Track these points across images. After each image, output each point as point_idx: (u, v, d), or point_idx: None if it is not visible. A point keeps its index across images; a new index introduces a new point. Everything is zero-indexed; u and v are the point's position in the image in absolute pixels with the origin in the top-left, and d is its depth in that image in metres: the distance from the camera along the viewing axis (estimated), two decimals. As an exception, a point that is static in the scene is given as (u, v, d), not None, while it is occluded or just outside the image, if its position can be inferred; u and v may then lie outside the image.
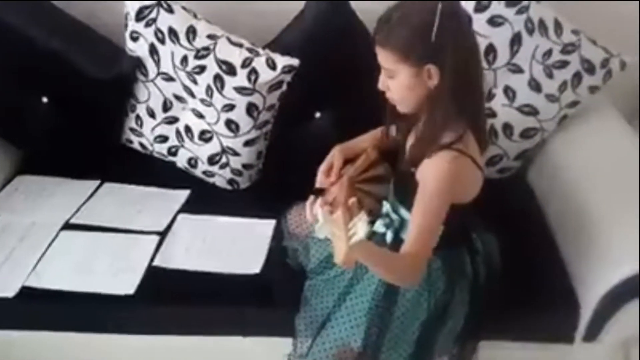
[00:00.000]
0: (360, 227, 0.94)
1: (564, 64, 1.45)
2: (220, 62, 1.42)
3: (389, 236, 1.19)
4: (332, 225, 0.96)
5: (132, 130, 1.59)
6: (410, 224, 1.08)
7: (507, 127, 1.50)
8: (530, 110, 1.49)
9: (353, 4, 1.51)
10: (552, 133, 1.52)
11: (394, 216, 1.18)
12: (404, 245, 1.06)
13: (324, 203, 1.02)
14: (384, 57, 1.08)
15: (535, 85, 1.47)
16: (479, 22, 1.44)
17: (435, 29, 1.00)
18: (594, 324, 1.24)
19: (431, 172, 1.07)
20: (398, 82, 1.09)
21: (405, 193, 1.14)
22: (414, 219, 1.07)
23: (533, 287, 1.27)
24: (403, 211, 1.17)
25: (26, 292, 1.28)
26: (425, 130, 1.11)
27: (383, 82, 1.11)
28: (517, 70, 1.47)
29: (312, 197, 1.03)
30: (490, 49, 1.45)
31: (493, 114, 1.50)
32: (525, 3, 1.43)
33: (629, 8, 1.62)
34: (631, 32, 1.62)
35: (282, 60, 1.42)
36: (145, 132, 1.57)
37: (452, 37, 1.02)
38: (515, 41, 1.44)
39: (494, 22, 1.44)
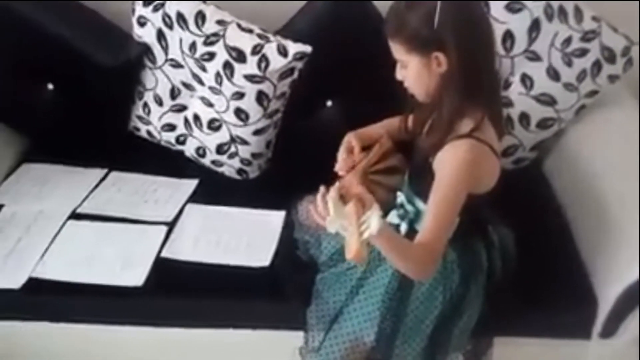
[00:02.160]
0: (373, 220, 0.92)
1: (583, 52, 1.40)
2: (230, 49, 1.39)
3: (404, 227, 1.16)
4: (343, 218, 0.93)
5: (139, 118, 1.56)
6: (426, 213, 1.05)
7: (524, 117, 1.46)
8: (547, 100, 1.44)
9: (367, -11, 1.48)
10: (570, 123, 1.48)
11: (409, 207, 1.16)
12: (418, 235, 1.04)
13: (336, 192, 0.98)
14: (395, 48, 1.08)
15: (553, 74, 1.42)
16: (497, 8, 1.39)
17: (438, 16, 0.99)
18: (611, 321, 1.21)
19: (448, 161, 1.05)
20: (410, 72, 1.08)
21: (421, 184, 1.11)
22: (430, 208, 1.04)
23: (549, 282, 1.25)
24: (419, 202, 1.14)
25: (33, 283, 1.27)
26: (439, 118, 1.09)
27: (399, 73, 1.10)
28: (535, 58, 1.43)
29: (322, 189, 1.00)
30: (508, 36, 1.41)
31: (510, 103, 1.46)
32: (545, -12, 1.38)
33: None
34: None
35: (293, 47, 1.38)
36: (153, 120, 1.54)
37: (457, 23, 1.01)
38: (534, 28, 1.40)
39: (512, 7, 1.40)
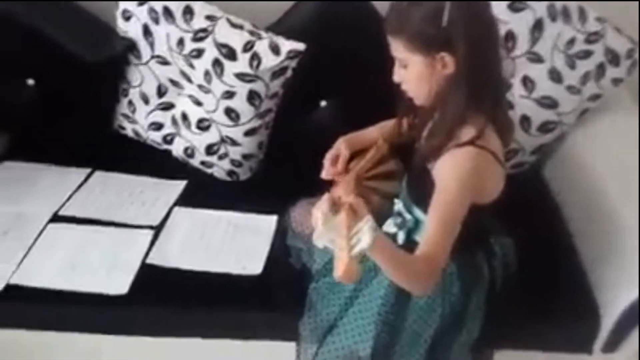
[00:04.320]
0: (365, 234, 0.83)
1: (587, 54, 1.36)
2: (220, 46, 1.32)
3: (401, 237, 1.11)
4: (333, 231, 0.85)
5: (124, 116, 1.49)
6: (427, 224, 1.00)
7: (525, 120, 1.42)
8: (549, 103, 1.40)
9: (363, -15, 1.42)
10: (572, 127, 1.44)
11: (407, 216, 1.11)
12: (419, 248, 0.98)
13: (327, 202, 0.91)
14: (396, 46, 1.02)
15: (556, 76, 1.38)
16: (499, 7, 1.33)
17: (447, 13, 0.94)
18: (614, 335, 1.18)
19: (450, 171, 0.99)
20: (412, 73, 1.02)
21: (420, 192, 1.06)
22: (431, 220, 0.99)
23: (550, 293, 1.21)
24: (417, 211, 1.09)
25: (11, 291, 1.20)
26: (440, 123, 1.04)
27: (397, 74, 1.04)
28: (537, 59, 1.38)
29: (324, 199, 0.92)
30: (510, 36, 1.36)
31: (510, 106, 1.40)
32: (549, -13, 1.33)
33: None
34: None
35: (286, 45, 1.32)
36: (139, 119, 1.48)
37: (467, 22, 0.96)
38: (537, 28, 1.35)
39: (514, 7, 1.35)
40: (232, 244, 1.32)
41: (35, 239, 1.30)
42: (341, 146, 1.19)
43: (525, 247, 1.21)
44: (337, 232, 0.84)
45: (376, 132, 1.24)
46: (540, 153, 1.48)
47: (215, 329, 1.24)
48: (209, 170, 1.48)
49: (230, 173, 1.47)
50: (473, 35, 0.96)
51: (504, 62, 1.36)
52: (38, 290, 1.21)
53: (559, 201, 1.43)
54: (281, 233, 1.31)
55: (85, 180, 1.46)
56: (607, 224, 1.24)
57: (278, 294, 1.21)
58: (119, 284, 1.22)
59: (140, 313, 1.22)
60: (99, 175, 1.48)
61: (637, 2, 1.55)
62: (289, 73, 1.35)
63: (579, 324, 1.20)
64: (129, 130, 1.52)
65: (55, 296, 1.20)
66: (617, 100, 1.45)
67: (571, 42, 1.36)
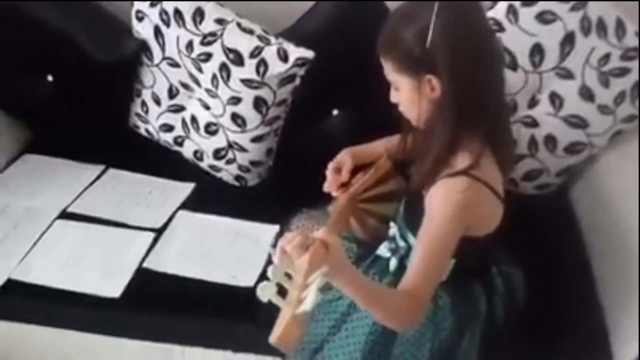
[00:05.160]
0: (311, 293, 0.72)
1: (623, 72, 1.24)
2: (227, 50, 1.29)
3: (393, 263, 1.06)
4: (284, 280, 0.75)
5: (138, 115, 1.50)
6: (413, 257, 0.94)
7: (550, 140, 1.31)
8: (578, 122, 1.29)
9: (380, -9, 1.35)
10: (603, 150, 1.32)
11: (400, 243, 1.05)
12: (402, 281, 0.92)
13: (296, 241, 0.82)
14: (386, 68, 0.97)
15: (587, 94, 1.26)
16: (526, 18, 1.24)
17: (431, 34, 0.86)
18: (628, 382, 1.07)
19: (439, 201, 0.93)
20: (402, 95, 0.97)
21: (414, 219, 0.99)
22: (417, 251, 0.93)
23: (560, 331, 1.11)
24: (411, 238, 1.03)
25: (10, 285, 1.23)
26: (428, 150, 0.96)
27: (393, 95, 0.98)
28: (567, 75, 1.27)
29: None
30: (537, 50, 1.25)
31: (535, 123, 1.31)
32: (582, -2, 1.22)
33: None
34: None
35: (295, 52, 1.27)
36: (151, 119, 1.47)
37: (452, 43, 0.88)
38: (567, 42, 1.24)
39: (543, 18, 1.24)
40: (230, 252, 1.30)
41: (41, 235, 1.32)
42: (345, 157, 1.14)
43: (536, 277, 1.12)
44: (290, 281, 0.74)
45: (382, 147, 1.18)
46: (567, 175, 1.37)
47: (203, 338, 1.22)
48: (217, 174, 1.46)
49: (238, 178, 1.44)
50: (459, 56, 0.88)
51: (530, 76, 1.28)
52: (36, 287, 1.22)
53: (584, 229, 1.32)
54: (280, 245, 1.28)
55: (98, 177, 1.48)
56: (633, 261, 1.12)
57: (268, 308, 1.17)
58: (113, 286, 1.22)
59: (130, 318, 1.22)
60: (112, 172, 1.49)
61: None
62: (297, 81, 1.31)
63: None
64: (142, 129, 1.52)
65: (51, 294, 1.21)
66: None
67: (605, 58, 1.24)
